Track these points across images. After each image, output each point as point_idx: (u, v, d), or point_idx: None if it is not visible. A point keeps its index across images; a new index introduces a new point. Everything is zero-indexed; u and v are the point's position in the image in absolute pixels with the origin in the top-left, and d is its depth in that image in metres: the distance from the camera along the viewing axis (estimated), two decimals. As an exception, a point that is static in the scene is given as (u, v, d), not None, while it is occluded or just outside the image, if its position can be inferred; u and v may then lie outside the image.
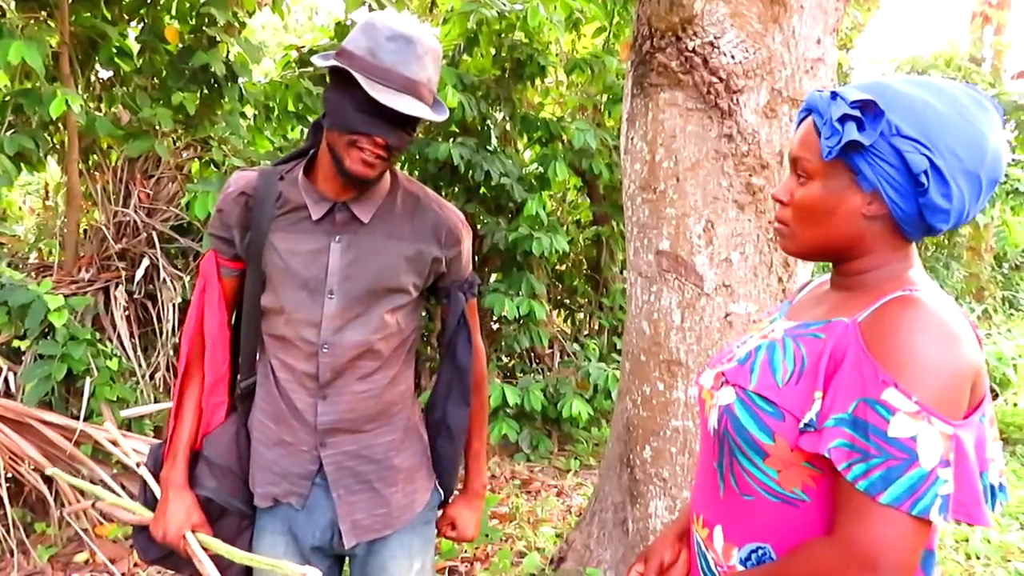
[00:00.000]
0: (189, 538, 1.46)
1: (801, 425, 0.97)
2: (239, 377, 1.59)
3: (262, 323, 1.52)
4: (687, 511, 1.28)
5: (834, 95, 0.98)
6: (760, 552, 1.05)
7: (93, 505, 1.71)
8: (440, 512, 1.73)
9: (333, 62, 1.35)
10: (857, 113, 0.95)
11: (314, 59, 1.41)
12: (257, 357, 1.57)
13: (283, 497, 1.52)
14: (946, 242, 8.36)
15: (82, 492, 3.01)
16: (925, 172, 0.93)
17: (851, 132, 0.94)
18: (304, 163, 1.51)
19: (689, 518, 1.23)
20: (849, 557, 0.89)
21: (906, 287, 0.98)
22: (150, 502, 1.58)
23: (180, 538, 1.47)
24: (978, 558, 3.38)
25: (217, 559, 1.45)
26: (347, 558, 1.65)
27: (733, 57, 2.22)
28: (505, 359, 5.12)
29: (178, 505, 1.49)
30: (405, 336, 1.55)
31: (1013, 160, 8.32)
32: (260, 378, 1.55)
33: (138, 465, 1.65)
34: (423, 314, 1.77)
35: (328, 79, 1.42)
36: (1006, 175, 7.46)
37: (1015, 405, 5.79)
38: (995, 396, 6.14)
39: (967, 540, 3.52)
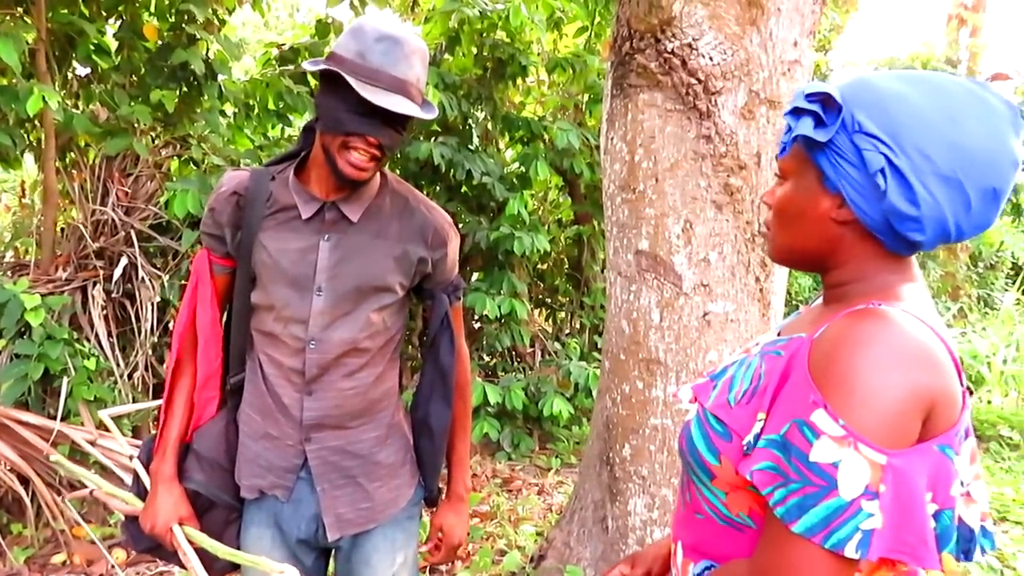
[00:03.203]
0: (176, 531, 1.50)
1: (744, 447, 0.91)
2: (230, 372, 1.61)
3: (252, 319, 1.55)
4: None
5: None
6: (713, 569, 1.01)
7: (91, 493, 1.75)
8: (425, 512, 1.75)
9: (323, 66, 1.38)
10: (813, 107, 0.88)
11: (305, 65, 1.44)
12: (247, 353, 1.59)
13: (268, 489, 1.55)
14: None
15: (72, 484, 3.00)
16: (882, 172, 0.84)
17: (804, 127, 0.89)
18: (295, 164, 1.55)
19: None
20: None
21: (877, 300, 0.89)
22: (142, 494, 1.61)
23: (167, 530, 1.50)
24: (952, 553, 3.44)
25: (202, 552, 1.48)
26: (333, 551, 1.68)
27: (711, 59, 2.25)
28: (486, 358, 5.13)
29: (166, 498, 1.52)
30: (391, 335, 1.58)
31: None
32: (249, 373, 1.58)
33: (131, 458, 1.69)
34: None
35: (318, 83, 1.45)
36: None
37: (989, 403, 5.88)
38: (970, 394, 6.21)
39: (941, 535, 3.57)
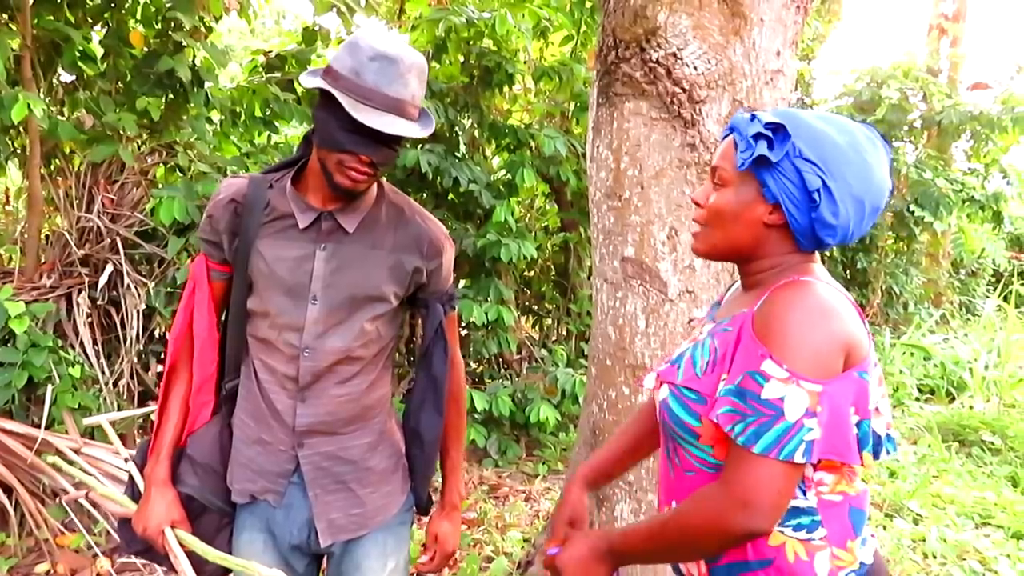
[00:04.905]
0: (168, 534, 1.51)
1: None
2: (225, 378, 1.62)
3: (247, 325, 1.56)
4: (594, 457, 1.57)
5: (753, 116, 1.15)
6: None
7: (87, 495, 1.77)
8: (417, 519, 1.76)
9: (320, 81, 1.40)
10: (769, 133, 1.12)
11: (301, 78, 1.45)
12: (242, 358, 1.60)
13: (260, 494, 1.56)
14: (905, 249, 8.54)
15: (56, 493, 2.98)
16: (818, 191, 1.09)
17: (762, 148, 1.12)
18: (293, 173, 1.56)
19: (606, 465, 1.54)
20: (729, 498, 1.07)
21: (796, 276, 1.14)
22: (136, 497, 1.62)
23: (159, 533, 1.52)
24: (935, 557, 3.47)
25: (193, 556, 1.50)
26: (325, 558, 1.68)
27: (696, 68, 2.27)
28: (473, 365, 5.13)
29: (159, 501, 1.54)
30: (384, 343, 1.60)
31: (969, 169, 8.56)
32: (243, 379, 1.60)
33: (126, 460, 1.71)
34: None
35: (316, 96, 1.46)
36: (961, 183, 7.69)
37: (971, 408, 5.93)
38: (952, 399, 6.29)
39: (924, 540, 3.61)
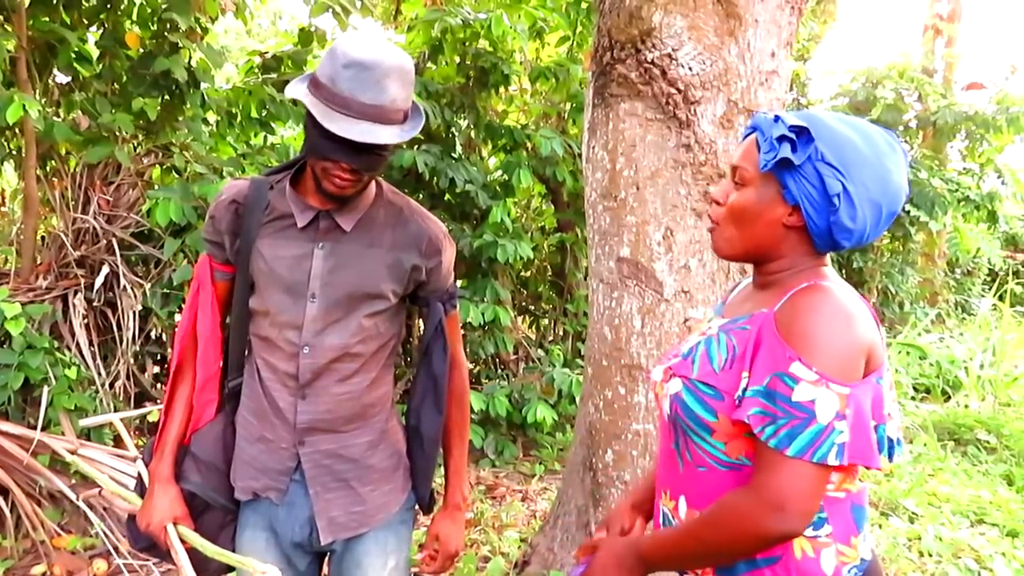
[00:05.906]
0: (169, 530, 1.54)
1: (736, 400, 1.15)
2: (228, 376, 1.65)
3: (249, 325, 1.59)
4: (641, 486, 1.51)
5: (776, 118, 1.15)
6: None
7: (100, 492, 1.80)
8: (419, 520, 1.77)
9: (299, 90, 1.42)
10: (793, 136, 1.12)
11: (287, 89, 1.46)
12: (245, 357, 1.63)
13: (262, 491, 1.58)
14: (901, 248, 8.55)
15: (52, 495, 2.98)
16: (838, 195, 1.11)
17: (786, 150, 1.12)
18: (292, 174, 1.59)
19: (653, 494, 1.43)
20: (762, 501, 1.07)
21: (814, 279, 1.16)
22: (144, 494, 1.65)
23: (162, 529, 1.54)
24: (930, 555, 3.48)
25: (197, 554, 1.53)
26: (327, 556, 1.70)
27: (691, 69, 2.28)
28: (470, 365, 5.13)
29: (162, 497, 1.57)
30: (385, 340, 1.61)
31: (964, 168, 8.58)
32: (246, 377, 1.62)
33: (135, 459, 1.75)
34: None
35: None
36: (957, 183, 7.70)
37: (966, 407, 5.94)
38: (947, 398, 6.31)
39: (919, 538, 3.62)
